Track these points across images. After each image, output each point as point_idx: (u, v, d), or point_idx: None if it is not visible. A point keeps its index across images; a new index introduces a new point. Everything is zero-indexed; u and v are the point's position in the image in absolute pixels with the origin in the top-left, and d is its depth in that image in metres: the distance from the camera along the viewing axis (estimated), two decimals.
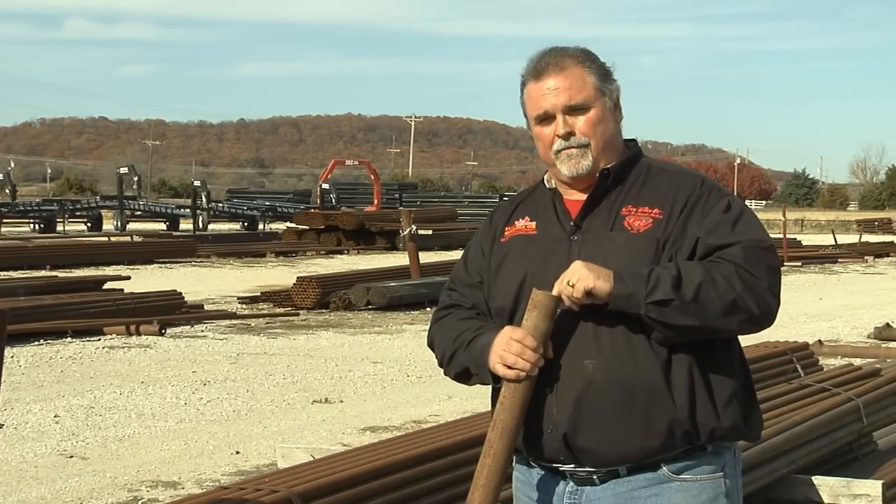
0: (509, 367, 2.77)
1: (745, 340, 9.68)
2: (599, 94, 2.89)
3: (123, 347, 13.51)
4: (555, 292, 2.76)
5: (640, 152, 2.98)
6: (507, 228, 2.99)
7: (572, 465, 2.84)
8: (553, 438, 2.81)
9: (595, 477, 2.82)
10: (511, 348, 2.76)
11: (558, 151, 2.88)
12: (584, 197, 2.91)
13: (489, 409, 2.99)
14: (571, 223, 2.88)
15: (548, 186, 2.97)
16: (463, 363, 2.92)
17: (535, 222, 2.95)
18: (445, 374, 3.03)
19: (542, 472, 2.91)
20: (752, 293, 2.75)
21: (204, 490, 6.76)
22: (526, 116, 2.95)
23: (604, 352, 2.76)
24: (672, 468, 2.80)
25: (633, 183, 2.90)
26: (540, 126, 2.91)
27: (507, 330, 2.79)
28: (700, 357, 2.80)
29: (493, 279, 2.96)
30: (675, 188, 2.86)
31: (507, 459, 2.81)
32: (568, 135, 2.88)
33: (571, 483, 2.86)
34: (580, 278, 2.72)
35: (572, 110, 2.88)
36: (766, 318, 2.80)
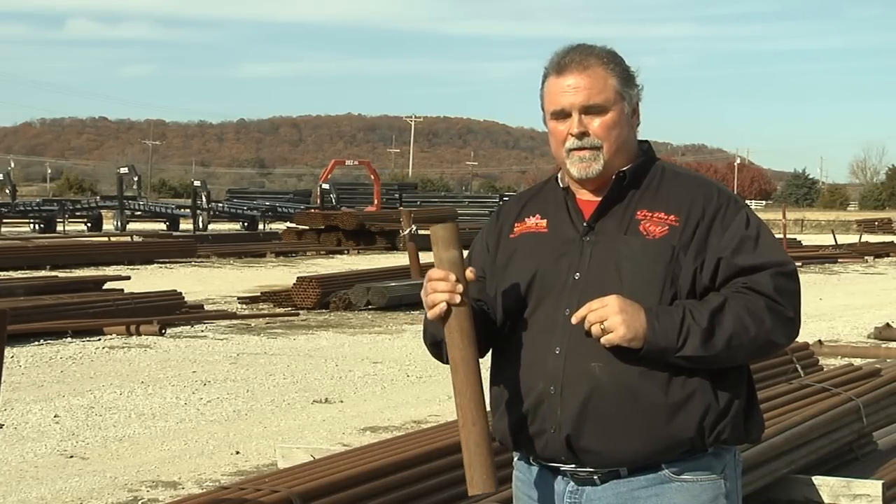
0: (433, 307, 2.74)
1: None
2: (619, 97, 2.86)
3: (123, 347, 13.52)
4: (585, 322, 2.73)
5: (653, 155, 2.96)
6: (516, 225, 2.97)
7: (573, 466, 2.83)
8: (556, 438, 2.81)
9: (596, 477, 2.82)
10: (427, 289, 2.75)
11: (570, 150, 2.86)
12: (597, 198, 2.89)
13: (493, 401, 2.97)
14: (584, 224, 2.87)
15: (561, 185, 2.95)
16: (428, 330, 2.93)
17: (545, 220, 2.93)
18: (430, 354, 3.02)
19: (542, 471, 2.90)
20: (782, 326, 2.79)
21: (204, 490, 6.76)
22: (543, 109, 2.94)
23: (611, 355, 2.76)
24: (673, 469, 2.80)
25: (647, 187, 2.88)
26: (555, 122, 2.89)
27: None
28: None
29: (501, 276, 2.93)
30: (692, 196, 2.85)
31: (475, 394, 2.73)
32: (582, 134, 2.85)
33: (572, 483, 2.85)
34: (615, 331, 2.70)
35: (589, 110, 2.85)
36: (790, 342, 2.86)
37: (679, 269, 2.79)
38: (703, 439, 2.78)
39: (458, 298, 2.71)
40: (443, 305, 2.72)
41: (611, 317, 2.70)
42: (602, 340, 2.72)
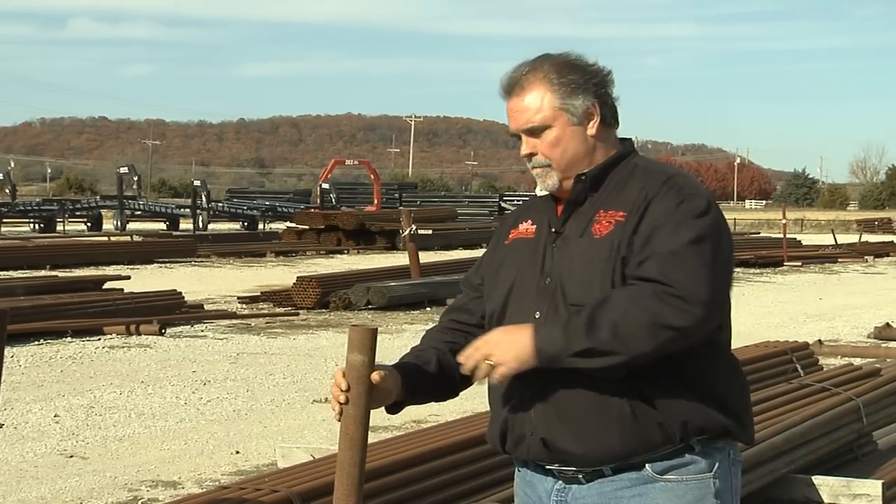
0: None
1: (745, 340, 9.73)
2: (559, 112, 2.87)
3: (123, 347, 13.52)
4: (469, 361, 2.75)
5: (627, 153, 2.94)
6: (511, 232, 3.01)
7: (557, 465, 2.86)
8: (534, 442, 2.84)
9: (580, 476, 2.84)
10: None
11: (530, 168, 2.94)
12: None
13: (489, 408, 3.01)
14: (552, 229, 2.91)
15: (538, 194, 2.98)
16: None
17: (535, 226, 2.97)
18: None
19: (535, 469, 2.93)
20: (674, 306, 2.68)
21: (204, 490, 6.76)
22: None
23: None
24: (656, 468, 2.79)
25: (613, 186, 2.88)
26: (518, 142, 2.97)
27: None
28: (675, 354, 2.75)
29: (493, 282, 2.98)
30: (641, 189, 2.84)
31: (346, 495, 2.83)
32: (530, 156, 2.92)
33: (560, 481, 2.87)
34: (503, 362, 2.73)
35: (532, 132, 2.90)
36: (696, 326, 2.70)
37: (620, 266, 2.78)
38: (676, 433, 2.76)
39: (343, 398, 2.82)
40: (337, 408, 2.84)
41: (494, 351, 2.73)
42: (495, 376, 2.74)
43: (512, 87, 2.91)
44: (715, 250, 2.75)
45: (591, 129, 2.90)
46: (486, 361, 2.74)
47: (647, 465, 2.79)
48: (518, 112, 2.90)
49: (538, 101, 2.88)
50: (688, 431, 2.77)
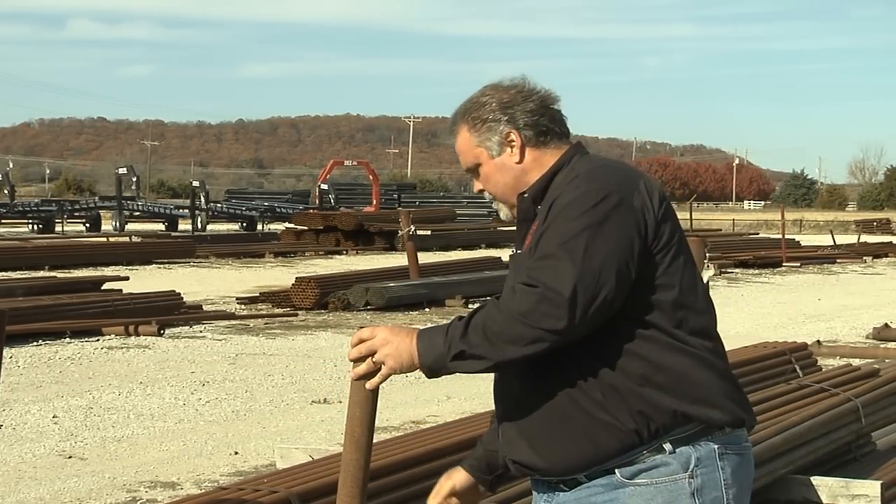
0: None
1: (743, 341, 9.74)
2: (480, 150, 2.95)
3: (122, 348, 13.52)
4: (354, 352, 2.81)
5: (568, 159, 2.91)
6: (526, 240, 3.02)
7: (538, 476, 2.89)
8: (509, 461, 2.91)
9: (561, 484, 2.86)
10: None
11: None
12: None
13: (490, 407, 3.04)
14: (513, 248, 2.97)
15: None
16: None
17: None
18: None
19: (530, 481, 2.99)
20: (538, 311, 2.67)
21: (203, 490, 6.76)
22: None
23: (523, 370, 2.80)
24: (625, 473, 2.78)
25: (552, 197, 2.85)
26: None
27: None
28: (618, 359, 2.76)
29: None
30: (555, 193, 2.84)
31: (348, 496, 2.90)
32: (481, 191, 3.01)
33: (548, 490, 2.91)
34: (385, 363, 2.82)
35: (471, 172, 3.00)
36: (566, 328, 2.67)
37: None
38: (634, 438, 2.75)
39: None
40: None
41: (378, 350, 2.80)
42: (374, 380, 2.84)
43: (451, 131, 3.00)
44: (589, 247, 2.70)
45: (514, 155, 2.93)
46: (372, 359, 2.78)
47: (616, 471, 2.79)
48: (458, 154, 3.00)
49: (466, 142, 2.97)
50: (649, 431, 2.76)
